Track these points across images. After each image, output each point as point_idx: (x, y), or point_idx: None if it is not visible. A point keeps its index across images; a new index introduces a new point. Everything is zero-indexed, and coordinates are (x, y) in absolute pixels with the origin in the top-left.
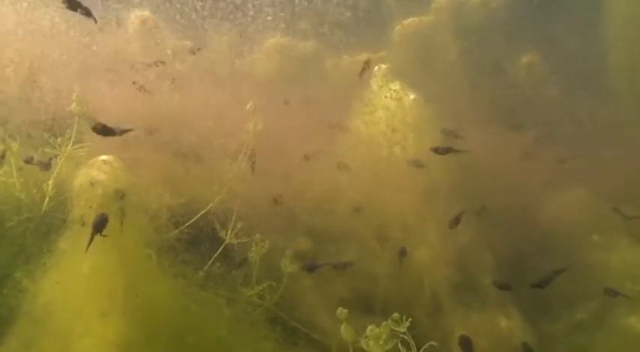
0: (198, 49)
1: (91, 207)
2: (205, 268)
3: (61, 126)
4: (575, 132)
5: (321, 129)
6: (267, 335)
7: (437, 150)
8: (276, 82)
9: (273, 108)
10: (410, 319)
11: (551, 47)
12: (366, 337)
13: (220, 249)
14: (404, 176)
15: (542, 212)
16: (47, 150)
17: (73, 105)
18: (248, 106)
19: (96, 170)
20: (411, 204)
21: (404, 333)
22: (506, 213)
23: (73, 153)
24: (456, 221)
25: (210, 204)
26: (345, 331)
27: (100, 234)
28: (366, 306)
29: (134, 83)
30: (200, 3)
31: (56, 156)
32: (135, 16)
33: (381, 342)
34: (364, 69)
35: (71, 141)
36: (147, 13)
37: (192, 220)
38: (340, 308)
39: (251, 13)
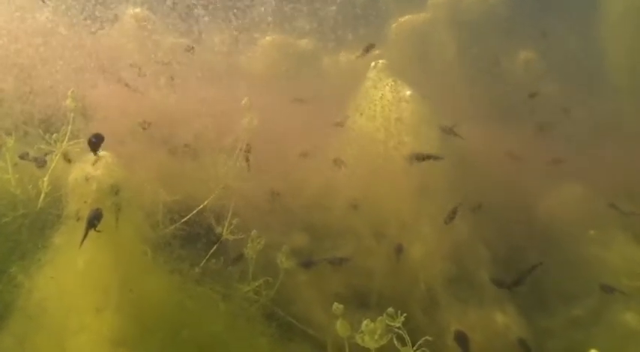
0: (192, 48)
1: (85, 202)
2: (201, 264)
3: (57, 122)
4: (572, 128)
5: (317, 125)
6: (263, 330)
7: (416, 157)
8: (273, 79)
9: (269, 105)
10: (405, 314)
11: (550, 43)
12: (362, 332)
13: (216, 245)
14: (400, 172)
15: (538, 208)
16: (42, 146)
17: (68, 101)
18: (243, 102)
19: (91, 165)
20: (407, 199)
21: (399, 328)
22: (503, 209)
23: (68, 149)
24: (452, 216)
25: (206, 201)
26: (340, 326)
27: (95, 230)
28: (363, 302)
29: (120, 80)
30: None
31: (51, 151)
32: (131, 13)
33: (376, 337)
34: (366, 50)
35: (66, 137)
36: (142, 9)
37: (189, 216)
38: (336, 303)
39: (248, 10)
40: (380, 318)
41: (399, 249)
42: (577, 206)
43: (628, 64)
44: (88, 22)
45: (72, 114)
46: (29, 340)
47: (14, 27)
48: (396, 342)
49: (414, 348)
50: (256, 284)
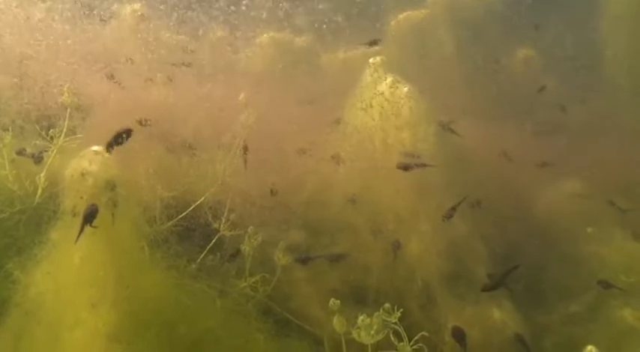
0: (191, 51)
1: (82, 197)
2: (198, 260)
3: (54, 118)
4: (570, 125)
5: (315, 121)
6: (260, 326)
7: (400, 166)
8: (270, 76)
9: (266, 102)
10: (401, 309)
11: (548, 40)
12: (358, 328)
13: (213, 241)
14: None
15: (537, 204)
16: (38, 142)
17: (64, 97)
18: (240, 98)
19: (87, 161)
20: (405, 196)
21: (395, 323)
22: (501, 206)
23: (65, 145)
24: (451, 213)
25: (203, 197)
26: (337, 322)
27: (90, 225)
28: (360, 298)
29: (107, 74)
30: None
31: (49, 148)
32: (129, 10)
33: (372, 333)
34: (371, 44)
35: (63, 133)
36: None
37: (186, 212)
38: (333, 299)
39: (246, 8)
40: (376, 314)
41: (397, 246)
42: (575, 203)
43: (627, 61)
44: (87, 18)
45: (68, 110)
46: (26, 335)
47: (13, 23)
48: (392, 338)
49: (411, 344)
50: (253, 280)
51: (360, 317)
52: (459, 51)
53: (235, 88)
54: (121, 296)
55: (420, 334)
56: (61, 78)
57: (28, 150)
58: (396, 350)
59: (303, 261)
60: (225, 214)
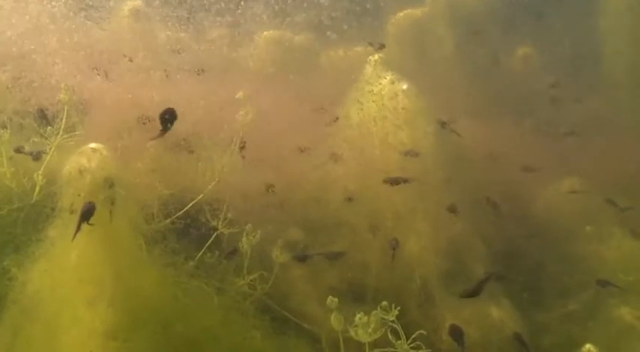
0: (179, 53)
1: (79, 195)
2: (196, 258)
3: (52, 116)
4: (569, 123)
5: (314, 119)
6: (257, 324)
7: (387, 181)
8: (269, 74)
9: (265, 100)
10: (399, 307)
11: (548, 38)
12: (355, 326)
13: (211, 239)
14: (396, 166)
15: (535, 203)
16: (36, 139)
17: (62, 95)
18: (238, 95)
19: (85, 158)
20: (403, 194)
21: (393, 322)
22: (499, 204)
23: (63, 143)
24: (453, 208)
25: (201, 195)
26: (334, 320)
27: (87, 223)
28: (358, 296)
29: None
30: None
31: (47, 145)
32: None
33: (369, 331)
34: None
35: (61, 130)
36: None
37: (184, 210)
38: (330, 297)
39: (245, 6)
40: (374, 312)
41: (395, 244)
42: (574, 201)
43: (627, 57)
44: (85, 15)
45: (66, 108)
46: (23, 332)
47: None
48: (390, 336)
49: (409, 342)
50: (251, 278)
51: (358, 315)
52: (457, 48)
53: (234, 85)
54: (119, 294)
55: (418, 332)
56: (59, 75)
57: (27, 148)
58: (394, 348)
59: (302, 258)
60: (224, 211)
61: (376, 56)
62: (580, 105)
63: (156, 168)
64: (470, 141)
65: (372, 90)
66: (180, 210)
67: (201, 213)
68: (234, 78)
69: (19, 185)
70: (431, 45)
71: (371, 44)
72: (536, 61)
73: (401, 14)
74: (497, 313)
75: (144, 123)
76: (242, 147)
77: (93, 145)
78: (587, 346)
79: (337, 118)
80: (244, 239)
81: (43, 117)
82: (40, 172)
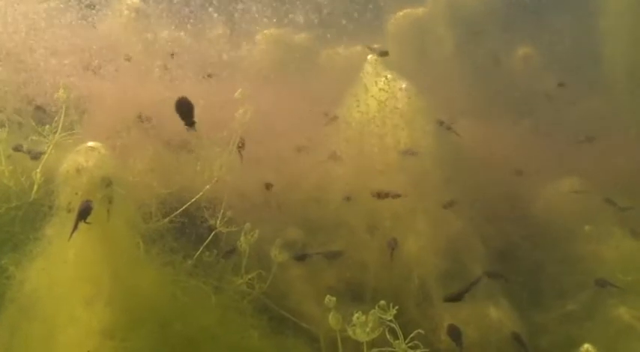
0: (172, 55)
1: (77, 194)
2: (194, 257)
3: (50, 114)
4: (568, 122)
5: (313, 118)
6: (255, 323)
7: (375, 195)
8: (269, 73)
9: (264, 98)
10: (397, 307)
11: (549, 38)
12: (353, 325)
13: (210, 238)
14: (395, 165)
15: (534, 202)
16: (34, 137)
17: (60, 93)
18: (236, 94)
19: (83, 156)
20: (402, 193)
21: (390, 321)
22: (498, 204)
23: (61, 141)
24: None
25: (200, 193)
26: (332, 319)
27: (85, 221)
28: (357, 295)
29: (93, 68)
30: None
31: (45, 143)
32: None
33: (367, 330)
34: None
35: (59, 129)
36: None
37: (182, 209)
38: (328, 296)
39: (243, 3)
40: (372, 311)
41: (393, 244)
42: (573, 201)
43: (628, 58)
44: (83, 13)
45: (64, 106)
46: (20, 331)
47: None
48: (388, 336)
49: (407, 341)
50: (249, 277)
51: (356, 315)
52: (457, 48)
53: (233, 84)
54: (116, 293)
55: (416, 331)
56: (58, 73)
57: (25, 146)
58: (392, 347)
59: (300, 258)
60: (222, 210)
61: (375, 55)
62: (580, 106)
63: (154, 167)
64: (469, 141)
65: (372, 90)
66: (178, 209)
67: (199, 211)
68: (233, 77)
69: (17, 183)
70: (431, 45)
71: (373, 50)
72: (536, 61)
73: (401, 14)
74: (496, 313)
75: (143, 122)
76: (241, 146)
77: (91, 144)
78: (586, 346)
79: (336, 117)
80: (243, 238)
81: (42, 116)
82: (38, 170)
